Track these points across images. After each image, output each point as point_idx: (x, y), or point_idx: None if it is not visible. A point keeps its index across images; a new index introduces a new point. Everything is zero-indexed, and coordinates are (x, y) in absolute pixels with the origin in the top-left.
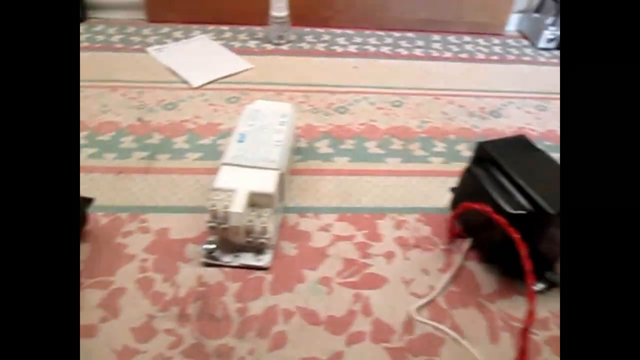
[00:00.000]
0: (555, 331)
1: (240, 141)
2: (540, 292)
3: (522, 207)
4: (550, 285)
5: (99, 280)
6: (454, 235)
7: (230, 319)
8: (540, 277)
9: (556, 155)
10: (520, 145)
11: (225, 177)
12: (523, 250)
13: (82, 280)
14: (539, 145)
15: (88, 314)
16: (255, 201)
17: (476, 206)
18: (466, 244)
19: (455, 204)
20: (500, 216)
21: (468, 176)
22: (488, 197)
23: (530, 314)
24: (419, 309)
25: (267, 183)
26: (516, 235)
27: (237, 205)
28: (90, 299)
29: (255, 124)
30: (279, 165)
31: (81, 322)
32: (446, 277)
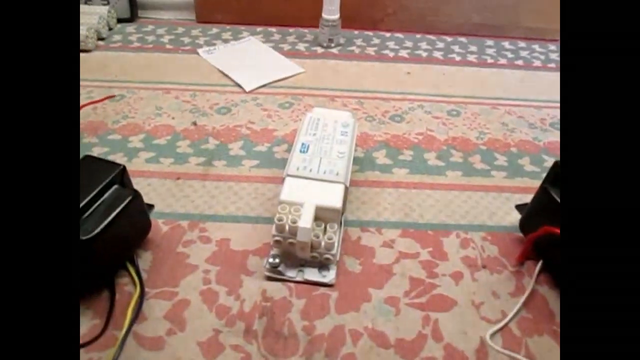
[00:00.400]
0: None
1: (303, 152)
2: None
3: None
4: None
5: (163, 290)
6: (525, 258)
7: (297, 337)
8: None
9: None
10: None
11: (291, 190)
12: None
13: (146, 289)
14: None
15: (155, 325)
16: (320, 215)
17: (559, 231)
18: (537, 266)
19: (526, 224)
20: None
21: (543, 195)
22: None
23: None
24: (492, 335)
25: (333, 197)
26: None
27: (306, 220)
28: (156, 309)
29: (317, 134)
30: (343, 179)
31: (148, 334)
32: (519, 301)
